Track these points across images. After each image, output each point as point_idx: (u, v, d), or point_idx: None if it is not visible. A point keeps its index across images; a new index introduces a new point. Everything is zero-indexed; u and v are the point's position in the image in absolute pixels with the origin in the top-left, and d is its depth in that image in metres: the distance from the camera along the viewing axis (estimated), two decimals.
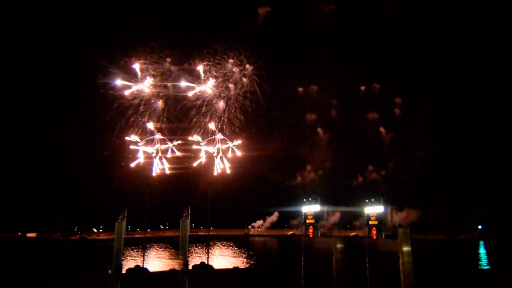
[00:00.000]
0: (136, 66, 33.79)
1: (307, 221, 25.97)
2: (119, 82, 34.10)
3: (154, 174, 36.01)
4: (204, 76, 35.21)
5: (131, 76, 35.46)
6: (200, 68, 34.04)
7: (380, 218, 23.34)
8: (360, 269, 22.92)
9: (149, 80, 34.58)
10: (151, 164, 35.75)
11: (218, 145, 36.52)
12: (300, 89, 38.95)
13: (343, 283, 22.81)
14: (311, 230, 25.29)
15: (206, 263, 26.95)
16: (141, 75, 35.33)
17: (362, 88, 39.82)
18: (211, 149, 36.97)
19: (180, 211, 23.48)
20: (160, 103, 35.83)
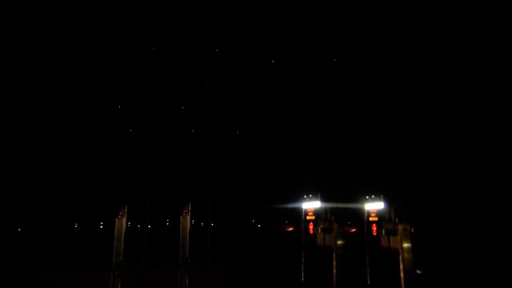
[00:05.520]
0: None
1: (307, 217, 25.86)
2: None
3: None
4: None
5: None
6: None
7: (381, 215, 23.29)
8: (360, 266, 22.94)
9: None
10: None
11: None
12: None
13: (344, 280, 22.84)
14: (311, 227, 25.19)
15: (207, 258, 27.01)
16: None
17: None
18: None
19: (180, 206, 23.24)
20: None
